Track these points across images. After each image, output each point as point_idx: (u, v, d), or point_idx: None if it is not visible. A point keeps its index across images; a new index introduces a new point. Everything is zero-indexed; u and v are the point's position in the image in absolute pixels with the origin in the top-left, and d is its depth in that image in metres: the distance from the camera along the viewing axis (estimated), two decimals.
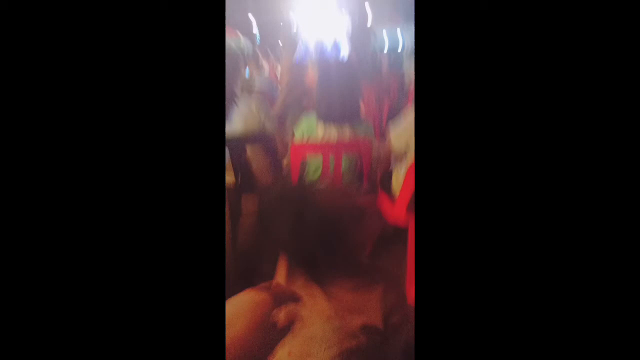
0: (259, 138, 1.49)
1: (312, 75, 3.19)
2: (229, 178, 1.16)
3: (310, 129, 1.31)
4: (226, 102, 1.10)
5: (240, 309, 0.44)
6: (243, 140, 1.17)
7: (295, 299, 0.45)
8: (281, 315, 0.43)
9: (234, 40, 1.16)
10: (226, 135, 1.02)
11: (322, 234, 0.45)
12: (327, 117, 1.27)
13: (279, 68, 3.49)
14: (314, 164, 1.36)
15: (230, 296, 0.46)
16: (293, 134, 1.39)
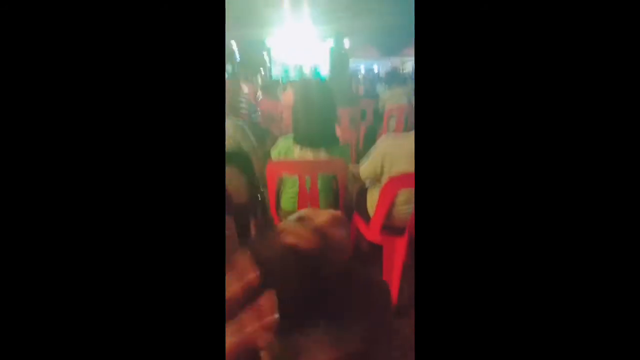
0: (235, 158, 1.49)
1: (289, 97, 3.27)
2: None
3: (287, 150, 1.34)
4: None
5: None
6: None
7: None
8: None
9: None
10: None
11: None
12: (304, 140, 1.30)
13: (259, 91, 3.56)
14: (290, 182, 1.37)
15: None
16: (269, 155, 1.41)
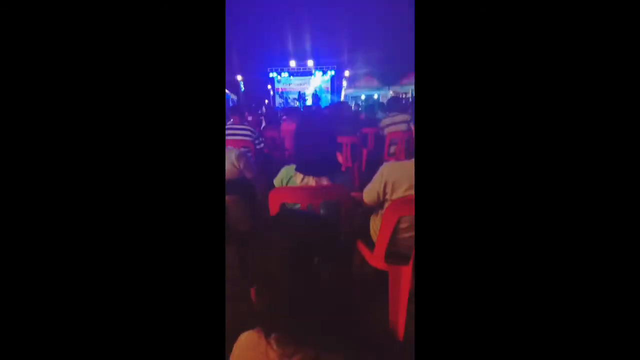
0: (237, 187, 1.50)
1: (289, 125, 3.33)
2: None
3: (290, 180, 1.34)
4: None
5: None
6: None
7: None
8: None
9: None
10: None
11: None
12: (306, 169, 1.31)
13: (263, 121, 3.65)
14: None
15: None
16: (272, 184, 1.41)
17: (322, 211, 1.27)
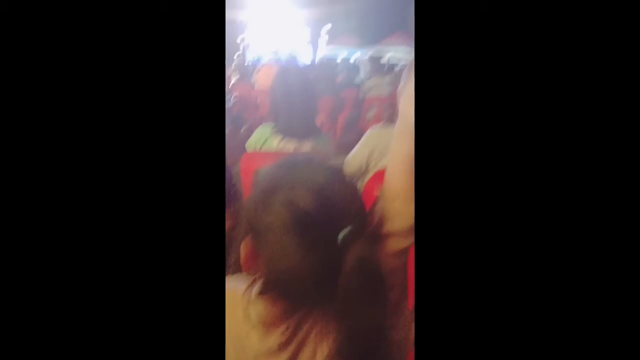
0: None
1: (264, 79, 3.11)
2: None
3: (265, 141, 1.23)
4: None
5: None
6: None
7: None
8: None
9: None
10: None
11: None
12: (286, 130, 1.20)
13: (233, 75, 3.37)
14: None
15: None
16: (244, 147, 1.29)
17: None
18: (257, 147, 1.24)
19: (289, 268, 0.38)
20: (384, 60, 3.83)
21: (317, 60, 6.36)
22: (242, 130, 2.33)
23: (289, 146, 1.20)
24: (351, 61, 5.52)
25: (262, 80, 3.09)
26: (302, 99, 1.20)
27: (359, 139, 1.17)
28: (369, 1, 7.66)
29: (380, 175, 1.11)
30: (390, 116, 2.97)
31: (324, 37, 8.42)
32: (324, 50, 8.51)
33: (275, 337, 0.41)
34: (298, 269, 0.37)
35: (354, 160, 1.16)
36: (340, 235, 0.35)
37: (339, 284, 0.36)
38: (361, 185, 1.19)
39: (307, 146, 1.21)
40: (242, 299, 0.42)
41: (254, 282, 0.42)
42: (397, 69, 3.93)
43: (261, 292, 0.41)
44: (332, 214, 0.37)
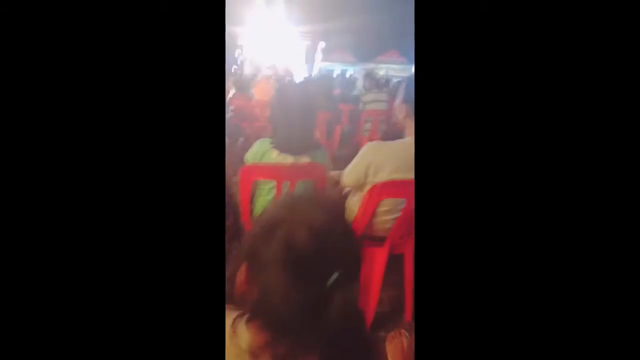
0: None
1: (263, 91, 3.13)
2: None
3: (263, 155, 1.24)
4: None
5: None
6: None
7: None
8: None
9: None
10: None
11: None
12: (284, 145, 1.21)
13: (232, 88, 3.41)
14: (266, 190, 1.27)
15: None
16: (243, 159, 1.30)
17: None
18: (256, 160, 1.25)
19: (279, 303, 0.38)
20: (379, 76, 3.91)
21: (313, 75, 6.46)
22: (239, 141, 2.34)
23: (287, 160, 1.22)
24: (347, 76, 5.62)
25: (260, 93, 3.13)
26: (299, 113, 1.21)
27: (356, 152, 1.19)
28: (363, 19, 7.87)
29: (377, 188, 1.13)
30: (385, 130, 3.01)
31: (319, 53, 8.58)
32: (320, 65, 8.67)
33: None
34: (287, 305, 0.37)
35: (352, 173, 1.17)
36: (330, 281, 0.35)
37: (325, 326, 0.36)
38: (359, 197, 1.20)
39: (304, 159, 1.23)
40: (231, 326, 0.42)
41: (243, 312, 0.42)
42: (391, 85, 4.02)
43: (248, 320, 0.41)
44: (328, 256, 0.37)
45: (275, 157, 1.22)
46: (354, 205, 1.25)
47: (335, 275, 0.35)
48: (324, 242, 0.37)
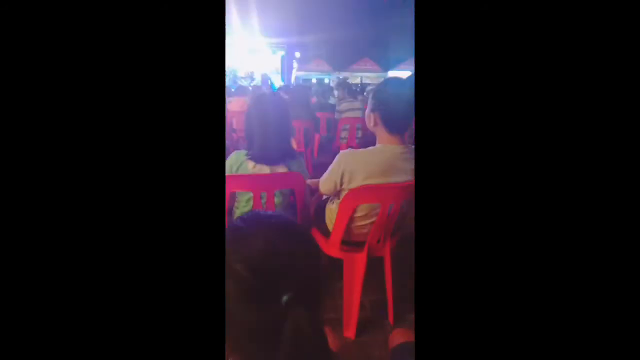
0: None
1: (237, 104, 3.10)
2: None
3: (240, 166, 1.24)
4: None
5: None
6: None
7: None
8: None
9: None
10: None
11: None
12: (259, 156, 1.22)
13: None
14: (244, 201, 1.27)
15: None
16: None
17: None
18: (233, 171, 1.25)
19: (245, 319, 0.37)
20: (353, 84, 3.98)
21: (290, 84, 6.51)
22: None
23: (264, 170, 1.23)
24: (323, 85, 5.70)
25: (235, 105, 3.12)
26: (275, 123, 1.23)
27: (334, 158, 1.22)
28: (337, 30, 8.04)
29: (352, 192, 1.15)
30: (362, 137, 3.05)
31: (295, 63, 8.67)
32: (296, 74, 8.75)
33: None
34: (252, 322, 0.36)
35: (327, 181, 1.20)
36: (284, 298, 0.35)
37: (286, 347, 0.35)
38: (337, 205, 1.22)
39: (281, 169, 1.24)
40: None
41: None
42: (366, 92, 4.10)
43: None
44: (292, 276, 0.36)
45: (251, 168, 1.22)
46: (332, 212, 1.27)
47: (287, 296, 0.34)
48: (290, 263, 0.37)
